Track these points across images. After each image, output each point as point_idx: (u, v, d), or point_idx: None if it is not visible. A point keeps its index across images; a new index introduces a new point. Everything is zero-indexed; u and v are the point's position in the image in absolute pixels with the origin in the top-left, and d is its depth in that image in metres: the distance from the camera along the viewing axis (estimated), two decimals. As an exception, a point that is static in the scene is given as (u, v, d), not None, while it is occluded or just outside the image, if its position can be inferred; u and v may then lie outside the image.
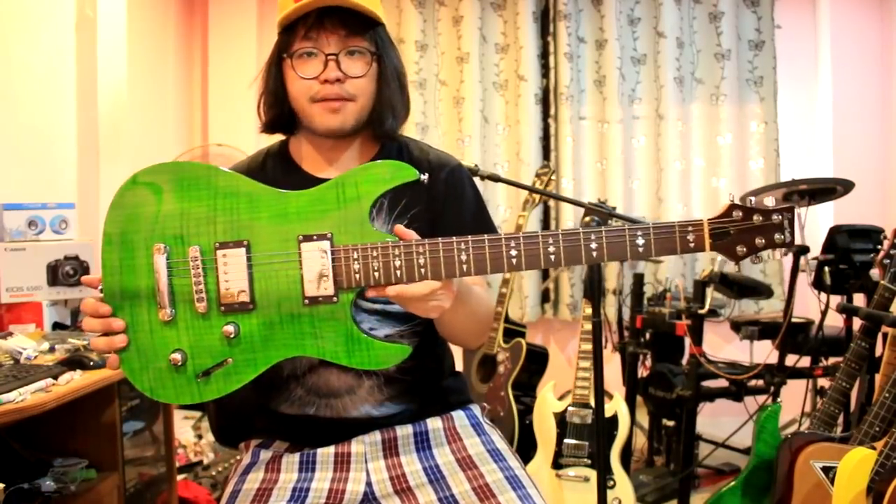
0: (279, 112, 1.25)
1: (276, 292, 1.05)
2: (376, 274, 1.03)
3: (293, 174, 1.28)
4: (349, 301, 1.04)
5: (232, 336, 1.04)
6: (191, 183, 1.08)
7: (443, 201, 1.27)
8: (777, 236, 1.02)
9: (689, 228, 1.01)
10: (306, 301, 1.04)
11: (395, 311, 1.23)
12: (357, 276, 1.03)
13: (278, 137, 1.34)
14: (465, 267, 1.02)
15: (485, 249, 1.02)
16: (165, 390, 1.06)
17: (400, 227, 1.04)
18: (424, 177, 1.11)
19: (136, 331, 1.06)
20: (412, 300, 1.03)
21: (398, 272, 1.02)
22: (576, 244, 1.01)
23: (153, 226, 1.07)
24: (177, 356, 1.04)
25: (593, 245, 1.01)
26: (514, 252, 1.02)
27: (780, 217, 1.02)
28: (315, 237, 1.04)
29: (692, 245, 1.01)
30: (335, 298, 1.04)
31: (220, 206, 1.06)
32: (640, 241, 1.01)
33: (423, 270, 1.02)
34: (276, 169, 1.30)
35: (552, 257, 1.02)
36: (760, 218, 1.02)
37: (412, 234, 1.04)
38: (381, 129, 1.24)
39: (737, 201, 1.03)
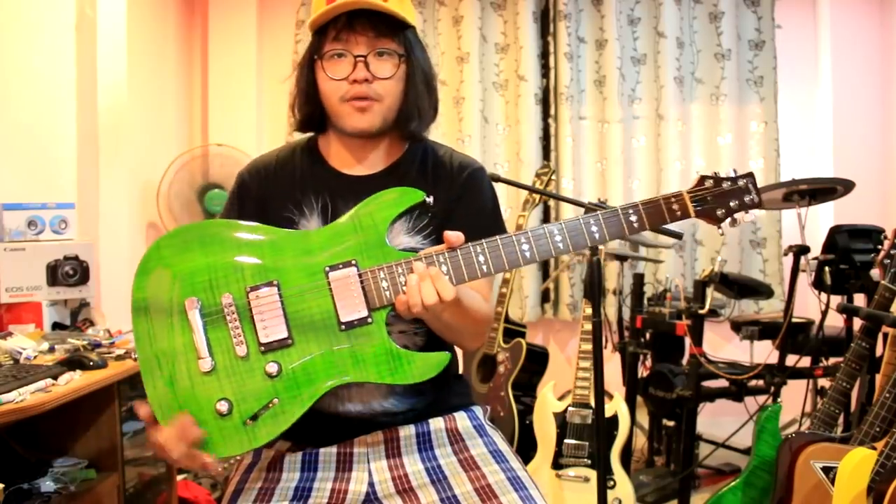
0: (311, 112, 1.29)
1: (312, 324, 1.06)
2: (405, 288, 1.06)
3: (320, 168, 1.31)
4: (383, 319, 1.07)
5: (275, 374, 1.04)
6: (213, 238, 1.10)
7: (458, 199, 1.29)
8: (747, 198, 1.16)
9: (672, 199, 1.13)
10: (342, 327, 1.06)
11: None
12: (387, 293, 1.07)
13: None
14: (484, 268, 1.09)
15: (499, 248, 1.09)
16: (213, 443, 1.03)
17: (447, 232, 1.09)
18: (430, 199, 1.16)
19: (176, 390, 1.04)
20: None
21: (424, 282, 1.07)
22: (578, 230, 1.11)
23: (182, 283, 1.07)
24: (222, 405, 1.02)
25: (594, 228, 1.11)
26: (525, 246, 1.09)
27: (745, 182, 1.16)
28: (341, 265, 1.08)
29: (678, 214, 1.13)
30: (369, 319, 1.06)
31: (244, 254, 1.09)
32: (634, 218, 1.12)
33: (446, 278, 1.07)
34: (305, 162, 1.32)
35: (560, 245, 1.10)
36: (729, 184, 1.16)
37: (458, 238, 1.09)
38: (408, 130, 1.28)
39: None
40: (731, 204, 1.15)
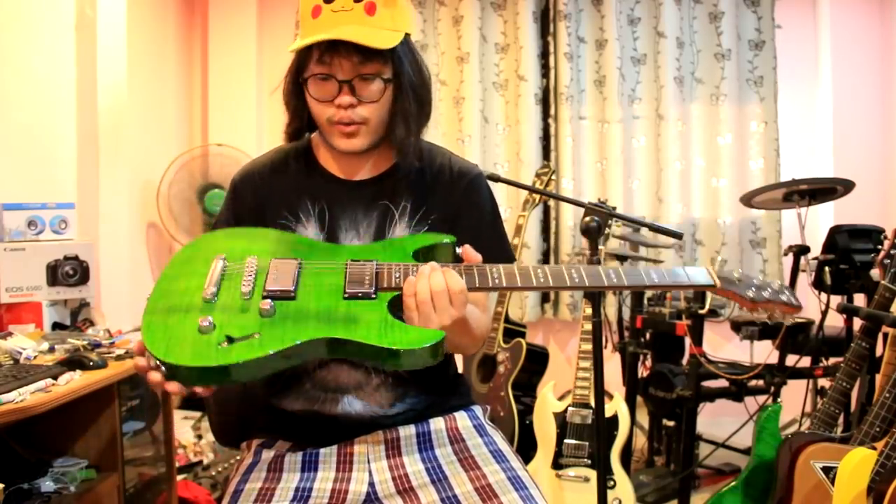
0: (299, 125, 1.29)
1: (318, 290, 1.08)
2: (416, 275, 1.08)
3: (315, 174, 1.30)
4: (387, 298, 1.07)
5: (267, 311, 1.02)
6: (258, 235, 1.20)
7: (458, 207, 1.29)
8: (783, 297, 1.17)
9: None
10: (346, 295, 1.07)
11: None
12: (397, 280, 1.08)
13: None
14: (497, 281, 1.09)
15: (514, 273, 1.10)
16: (182, 351, 0.98)
17: (467, 248, 1.12)
18: (460, 250, 1.15)
19: (170, 309, 1.04)
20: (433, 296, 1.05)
21: None
22: (597, 274, 1.11)
23: (218, 249, 1.15)
24: (205, 322, 0.99)
25: (612, 275, 1.11)
26: (540, 273, 1.10)
27: (780, 285, 1.18)
28: (362, 262, 1.12)
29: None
30: (374, 295, 1.07)
31: (281, 246, 1.17)
32: (655, 277, 1.13)
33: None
34: (300, 167, 1.32)
35: (576, 280, 1.10)
36: (760, 279, 1.19)
37: (477, 257, 1.11)
38: (397, 142, 1.26)
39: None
40: (765, 293, 1.16)
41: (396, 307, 1.07)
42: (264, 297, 1.05)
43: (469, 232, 1.15)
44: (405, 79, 1.22)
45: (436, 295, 1.04)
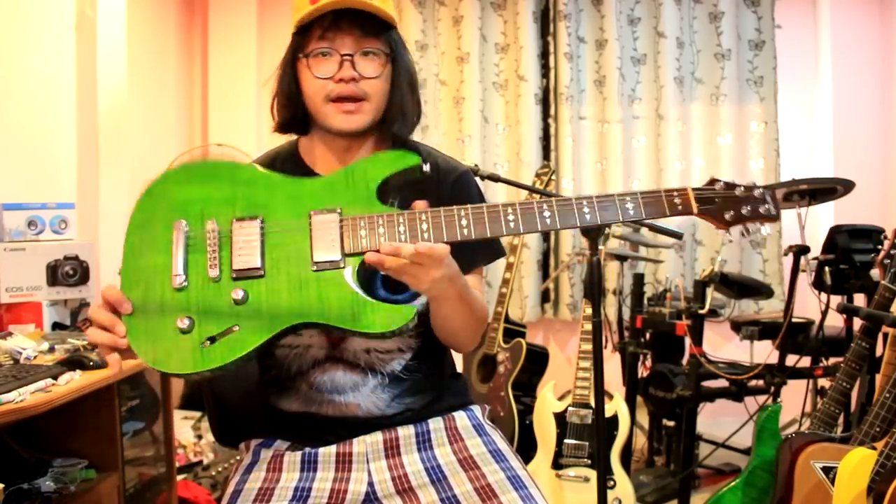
0: (293, 112, 1.27)
1: (286, 260, 1.07)
2: (382, 239, 1.05)
3: (300, 175, 1.29)
4: (355, 266, 1.06)
5: (240, 300, 1.03)
6: (214, 175, 1.13)
7: (447, 204, 1.27)
8: (762, 208, 1.10)
9: (675, 194, 1.08)
10: (314, 267, 1.06)
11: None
12: (363, 241, 1.06)
13: (287, 138, 1.35)
14: (465, 231, 1.06)
15: (483, 215, 1.07)
16: (169, 359, 1.02)
17: (416, 202, 1.08)
18: (427, 167, 1.13)
19: (146, 302, 1.05)
20: (405, 267, 1.03)
21: (402, 237, 1.05)
22: (570, 209, 1.07)
23: (176, 207, 1.11)
24: (184, 322, 1.02)
25: (586, 210, 1.07)
26: (511, 217, 1.06)
27: (762, 192, 1.10)
28: (325, 211, 1.08)
29: (679, 208, 1.08)
30: (342, 263, 1.06)
31: (239, 192, 1.11)
32: (630, 206, 1.07)
33: (426, 235, 1.05)
34: (285, 170, 1.30)
35: (547, 220, 1.06)
36: (742, 190, 1.09)
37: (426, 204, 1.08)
38: (392, 132, 1.26)
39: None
40: (743, 210, 1.09)
41: (367, 267, 1.06)
42: (234, 280, 1.05)
43: None
44: (402, 62, 1.25)
45: (404, 258, 1.02)
